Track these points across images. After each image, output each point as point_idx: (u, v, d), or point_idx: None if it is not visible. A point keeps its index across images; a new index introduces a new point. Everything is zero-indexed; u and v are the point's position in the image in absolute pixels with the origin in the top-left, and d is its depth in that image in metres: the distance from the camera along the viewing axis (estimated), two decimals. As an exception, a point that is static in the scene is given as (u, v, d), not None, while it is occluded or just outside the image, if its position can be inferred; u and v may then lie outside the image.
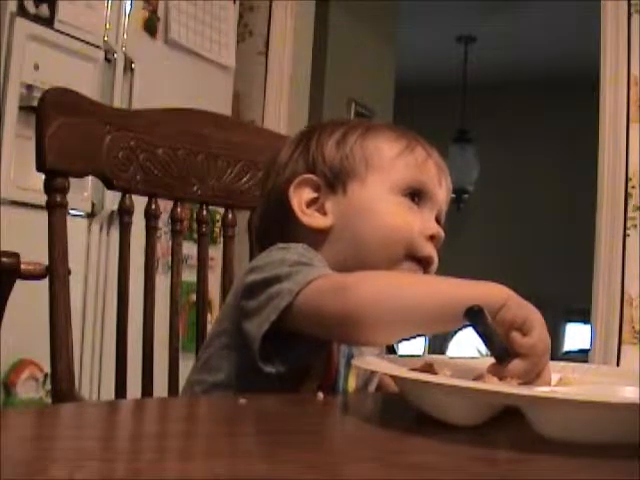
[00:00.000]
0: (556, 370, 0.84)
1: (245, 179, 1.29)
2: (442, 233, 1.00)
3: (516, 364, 0.75)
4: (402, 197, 0.99)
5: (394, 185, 0.99)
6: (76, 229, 2.29)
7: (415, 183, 0.99)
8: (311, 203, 1.00)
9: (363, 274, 0.87)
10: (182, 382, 1.07)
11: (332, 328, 0.84)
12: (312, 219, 0.99)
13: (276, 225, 1.02)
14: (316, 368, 0.94)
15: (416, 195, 1.00)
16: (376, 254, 0.96)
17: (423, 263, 0.98)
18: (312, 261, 0.89)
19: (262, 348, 0.85)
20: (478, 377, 0.77)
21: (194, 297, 1.32)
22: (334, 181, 1.00)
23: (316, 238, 0.98)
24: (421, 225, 0.98)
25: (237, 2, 3.06)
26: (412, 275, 0.94)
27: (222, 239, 1.34)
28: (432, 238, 0.98)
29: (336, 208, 0.99)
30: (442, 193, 1.03)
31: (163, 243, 2.26)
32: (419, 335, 0.90)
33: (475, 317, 0.74)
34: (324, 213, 0.99)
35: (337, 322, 0.83)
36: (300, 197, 0.99)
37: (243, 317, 0.88)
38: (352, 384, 0.98)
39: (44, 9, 2.27)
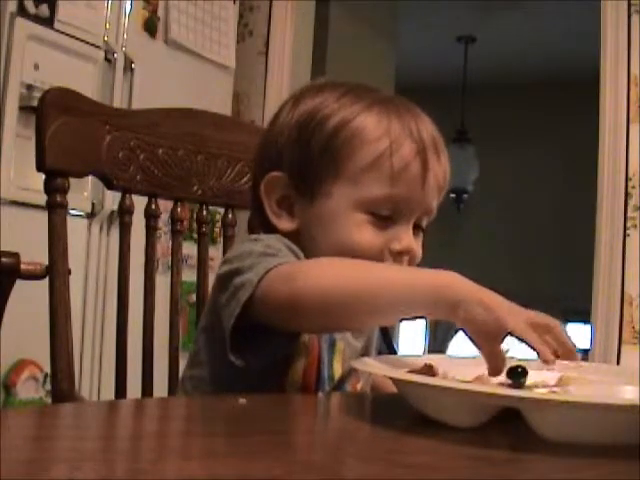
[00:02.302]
0: (556, 369, 0.84)
1: (245, 179, 1.29)
2: (411, 246, 0.95)
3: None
4: (366, 215, 0.94)
5: (360, 201, 0.94)
6: (76, 229, 2.29)
7: (385, 203, 0.94)
8: (282, 200, 0.98)
9: (316, 261, 0.86)
10: (182, 382, 1.07)
11: (277, 314, 0.83)
12: (280, 221, 0.97)
13: (259, 217, 1.01)
14: (298, 358, 0.93)
15: (388, 208, 0.94)
16: None
17: None
18: (279, 252, 0.88)
19: (234, 341, 0.84)
20: (478, 378, 0.77)
21: (194, 297, 1.32)
22: (301, 184, 0.96)
23: (288, 236, 0.97)
24: (388, 240, 0.94)
25: (237, 2, 3.06)
26: (366, 263, 0.88)
27: (222, 239, 1.34)
28: (400, 252, 0.94)
29: (302, 213, 0.97)
30: (427, 193, 0.96)
31: (163, 243, 2.26)
32: (370, 322, 0.89)
33: (518, 376, 0.73)
34: (292, 214, 0.98)
35: (281, 308, 0.82)
36: (270, 197, 0.98)
37: (219, 310, 0.89)
38: (338, 370, 0.98)
39: (44, 9, 2.27)
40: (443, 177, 0.98)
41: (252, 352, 0.85)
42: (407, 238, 0.95)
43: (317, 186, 0.95)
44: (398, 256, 0.95)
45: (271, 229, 0.98)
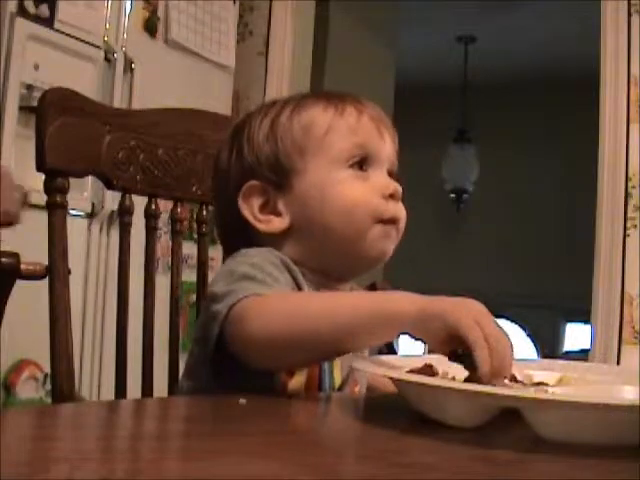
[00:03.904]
0: (556, 369, 0.84)
1: (245, 179, 1.28)
2: (399, 187, 0.99)
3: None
4: (347, 169, 0.97)
5: (334, 161, 0.97)
6: (76, 229, 2.29)
7: (355, 150, 0.98)
8: (263, 207, 0.99)
9: (263, 302, 0.85)
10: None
11: (238, 354, 0.86)
12: (269, 225, 0.98)
13: (237, 231, 1.01)
14: (300, 371, 0.93)
15: (361, 162, 0.98)
16: (344, 234, 0.96)
17: (391, 223, 0.98)
18: (258, 275, 0.88)
19: (216, 363, 0.88)
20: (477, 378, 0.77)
21: (194, 297, 1.32)
22: (276, 180, 0.98)
23: (279, 239, 0.98)
24: (375, 188, 0.97)
25: (237, 2, 3.06)
26: (312, 298, 0.90)
27: (222, 239, 1.34)
28: (391, 196, 0.98)
29: (288, 206, 0.98)
30: (387, 146, 1.01)
31: (163, 243, 2.26)
32: (329, 357, 0.90)
33: (462, 359, 0.74)
34: (279, 213, 0.98)
35: (238, 349, 0.85)
36: (251, 207, 0.98)
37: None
38: (338, 378, 0.98)
39: (44, 9, 2.27)
40: (395, 144, 1.03)
41: (228, 377, 0.88)
42: (391, 181, 1.00)
43: (291, 172, 0.98)
44: (392, 199, 0.98)
45: (252, 241, 0.98)
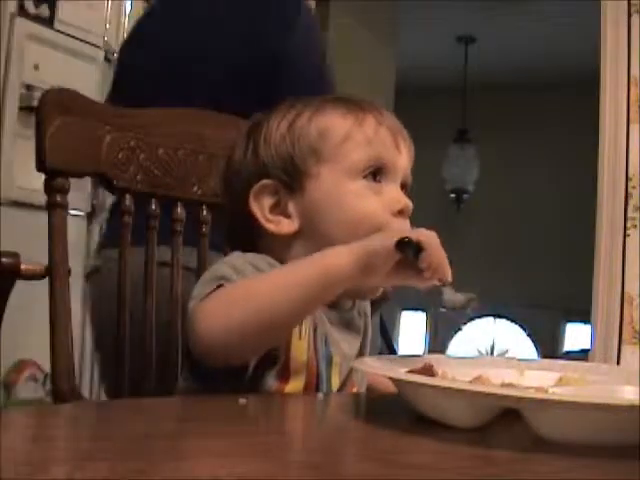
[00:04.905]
0: (556, 369, 0.84)
1: (245, 179, 1.28)
2: (409, 203, 0.98)
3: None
4: (360, 180, 0.97)
5: (349, 170, 0.97)
6: (76, 229, 2.29)
7: (370, 161, 0.97)
8: (274, 207, 0.98)
9: (210, 299, 0.86)
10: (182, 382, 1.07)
11: (197, 356, 0.87)
12: (278, 226, 0.97)
13: (246, 230, 1.00)
14: (297, 377, 0.93)
15: (376, 172, 0.97)
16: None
17: None
18: (233, 277, 0.88)
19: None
20: (477, 378, 0.77)
21: (194, 297, 1.32)
22: (289, 182, 0.97)
23: (287, 240, 0.97)
24: (386, 203, 0.97)
25: (237, 2, 3.05)
26: (254, 282, 0.89)
27: (222, 239, 1.34)
28: (400, 211, 0.97)
29: (298, 209, 0.97)
30: (403, 158, 1.00)
31: (163, 243, 2.26)
32: (283, 332, 0.90)
33: (406, 247, 0.84)
34: (288, 216, 0.98)
35: (196, 351, 0.87)
36: (261, 206, 0.98)
37: None
38: (336, 383, 0.98)
39: (44, 9, 2.27)
40: (411, 157, 1.02)
41: (198, 374, 0.90)
42: (402, 196, 0.99)
43: (304, 175, 0.97)
44: (400, 216, 0.98)
45: (258, 242, 0.98)
